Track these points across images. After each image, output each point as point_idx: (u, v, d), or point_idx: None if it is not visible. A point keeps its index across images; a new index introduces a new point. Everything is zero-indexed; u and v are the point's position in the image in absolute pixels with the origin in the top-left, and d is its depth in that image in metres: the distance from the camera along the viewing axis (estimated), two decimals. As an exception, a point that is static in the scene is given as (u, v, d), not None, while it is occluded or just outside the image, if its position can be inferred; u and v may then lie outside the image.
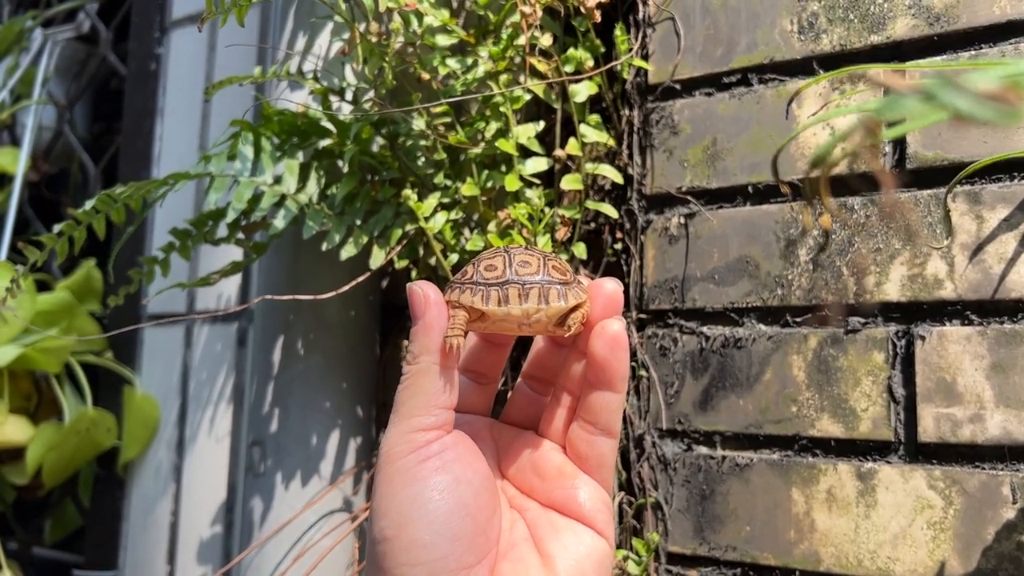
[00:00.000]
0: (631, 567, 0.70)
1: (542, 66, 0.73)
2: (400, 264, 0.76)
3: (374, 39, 0.72)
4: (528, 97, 0.75)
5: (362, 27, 0.72)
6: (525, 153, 0.75)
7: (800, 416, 0.68)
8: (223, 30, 1.14)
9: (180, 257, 0.80)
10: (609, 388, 0.42)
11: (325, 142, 0.80)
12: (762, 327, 0.71)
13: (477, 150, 0.75)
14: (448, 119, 0.76)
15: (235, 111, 1.00)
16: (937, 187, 0.64)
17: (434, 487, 0.39)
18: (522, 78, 0.74)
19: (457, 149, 0.76)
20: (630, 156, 0.79)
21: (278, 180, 0.77)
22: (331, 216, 0.76)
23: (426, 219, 0.73)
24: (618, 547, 0.73)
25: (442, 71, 0.75)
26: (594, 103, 0.80)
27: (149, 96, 1.21)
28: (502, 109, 0.73)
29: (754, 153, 0.72)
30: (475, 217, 0.78)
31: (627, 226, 0.79)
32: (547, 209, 0.75)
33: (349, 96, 0.81)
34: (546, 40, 0.72)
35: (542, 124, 0.76)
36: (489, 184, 0.74)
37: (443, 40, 0.75)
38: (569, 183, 0.74)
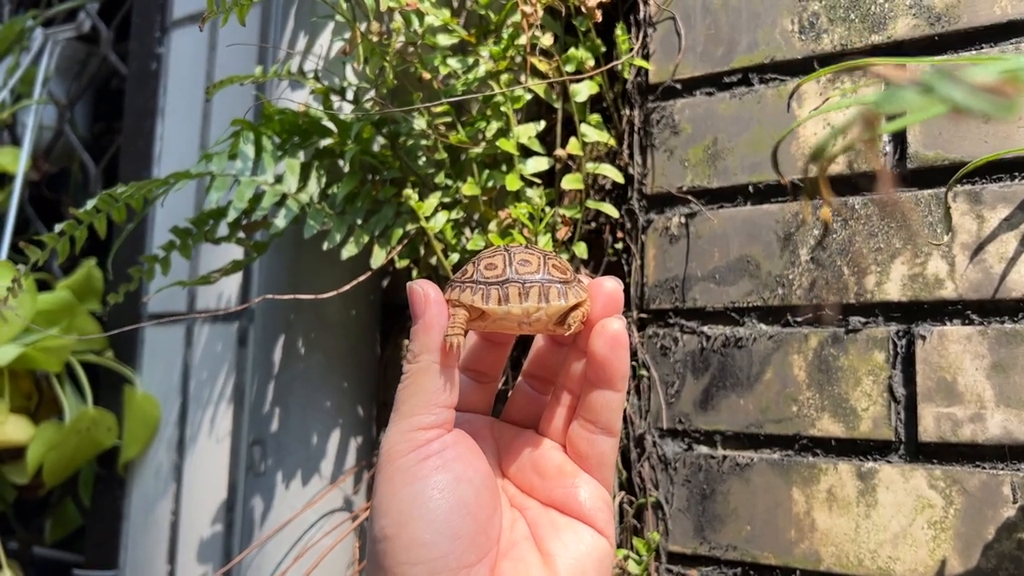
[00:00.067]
0: (632, 566, 0.70)
1: (543, 66, 0.73)
2: (401, 263, 0.76)
3: (375, 39, 0.72)
4: (529, 97, 0.75)
5: (363, 27, 0.72)
6: (526, 153, 0.75)
7: (801, 416, 0.68)
8: (224, 29, 1.14)
9: (181, 256, 0.80)
10: (609, 387, 0.42)
11: (326, 141, 0.80)
12: (763, 327, 0.71)
13: (478, 150, 0.75)
14: (449, 119, 0.76)
15: (236, 110, 1.00)
16: (938, 187, 0.64)
17: (435, 486, 0.39)
18: (523, 78, 0.74)
19: (458, 149, 0.76)
20: (631, 156, 0.79)
21: (279, 179, 0.77)
22: (332, 215, 0.76)
23: (427, 219, 0.73)
24: (619, 546, 0.73)
25: (443, 71, 0.75)
26: (595, 103, 0.80)
27: (150, 96, 1.21)
28: (503, 109, 0.73)
29: (755, 153, 0.72)
30: (476, 217, 0.78)
31: (628, 226, 0.79)
32: (548, 209, 0.75)
33: (350, 95, 0.81)
34: (547, 40, 0.72)
35: (543, 124, 0.76)
36: (490, 184, 0.74)
37: (444, 40, 0.75)
38: (570, 183, 0.74)
